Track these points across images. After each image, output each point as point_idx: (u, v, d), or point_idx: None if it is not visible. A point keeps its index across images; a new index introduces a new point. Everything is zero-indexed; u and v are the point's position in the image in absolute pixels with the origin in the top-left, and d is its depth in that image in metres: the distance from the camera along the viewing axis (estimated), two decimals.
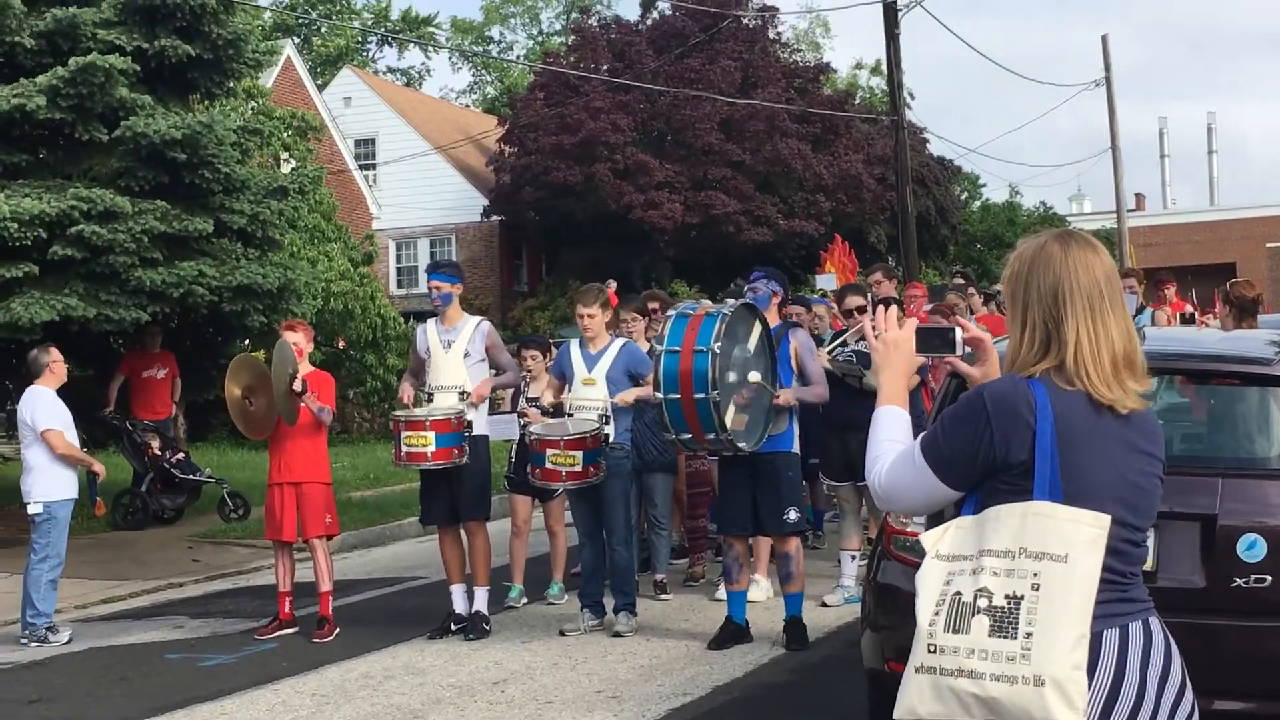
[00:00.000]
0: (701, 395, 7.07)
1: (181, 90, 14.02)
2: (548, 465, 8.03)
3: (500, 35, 58.54)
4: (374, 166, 37.36)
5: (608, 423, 8.17)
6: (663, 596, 9.25)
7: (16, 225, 11.50)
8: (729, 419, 7.18)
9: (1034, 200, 62.58)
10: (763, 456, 7.62)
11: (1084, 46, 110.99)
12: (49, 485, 8.88)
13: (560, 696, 6.89)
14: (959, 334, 3.02)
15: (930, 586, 2.71)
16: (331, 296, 21.06)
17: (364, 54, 51.90)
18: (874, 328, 3.05)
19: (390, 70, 54.62)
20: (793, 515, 7.75)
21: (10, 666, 8.29)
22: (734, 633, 7.86)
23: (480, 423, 8.43)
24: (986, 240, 43.63)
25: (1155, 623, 2.72)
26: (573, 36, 37.17)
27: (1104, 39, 34.53)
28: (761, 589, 8.94)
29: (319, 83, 38.46)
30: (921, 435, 2.83)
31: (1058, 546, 2.58)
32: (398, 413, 8.40)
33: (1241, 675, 4.54)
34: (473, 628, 8.35)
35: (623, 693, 6.91)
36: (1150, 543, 4.33)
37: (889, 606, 5.08)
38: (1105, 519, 2.61)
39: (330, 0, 48.37)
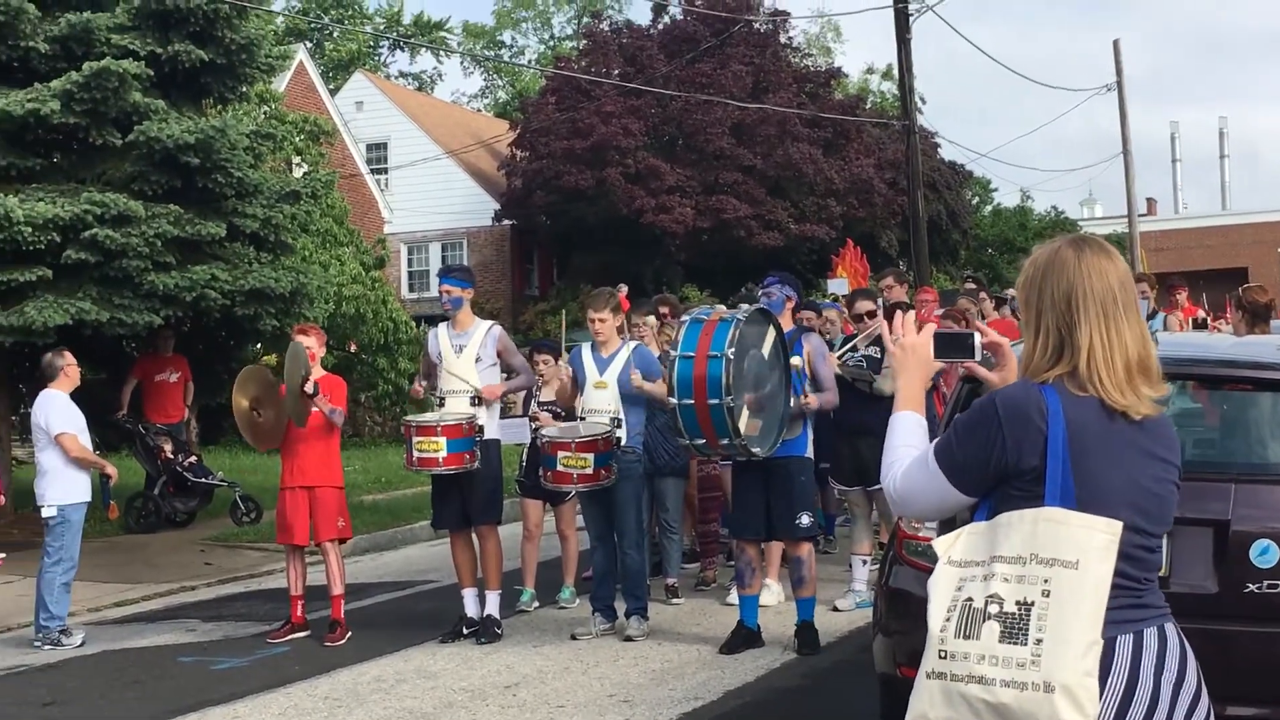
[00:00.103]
0: (716, 401, 7.07)
1: (195, 95, 14.09)
2: (559, 468, 8.04)
3: (512, 40, 58.69)
4: (386, 171, 37.42)
5: (619, 426, 8.17)
6: (674, 601, 9.25)
7: (30, 229, 11.56)
8: (743, 424, 7.18)
9: (1045, 205, 62.64)
10: (776, 461, 7.62)
11: (1095, 51, 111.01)
12: (62, 488, 8.90)
13: (572, 700, 6.89)
14: (978, 339, 3.01)
15: (942, 592, 2.71)
16: (343, 300, 21.11)
17: (376, 58, 52.05)
18: (891, 333, 3.05)
19: (402, 75, 54.80)
20: (805, 520, 7.74)
21: (24, 669, 8.32)
22: (746, 637, 7.85)
23: (492, 427, 8.45)
24: (998, 245, 43.57)
25: (1171, 628, 2.72)
26: (584, 41, 37.25)
27: (1115, 44, 34.44)
28: (773, 593, 8.94)
29: (331, 87, 38.56)
30: (935, 441, 2.84)
31: (1069, 553, 2.58)
32: (409, 418, 8.42)
33: (1254, 681, 4.52)
34: (484, 631, 8.35)
35: (634, 697, 6.91)
36: (1163, 548, 4.32)
37: (901, 611, 5.07)
38: (1117, 525, 2.60)
39: (343, 5, 48.51)
